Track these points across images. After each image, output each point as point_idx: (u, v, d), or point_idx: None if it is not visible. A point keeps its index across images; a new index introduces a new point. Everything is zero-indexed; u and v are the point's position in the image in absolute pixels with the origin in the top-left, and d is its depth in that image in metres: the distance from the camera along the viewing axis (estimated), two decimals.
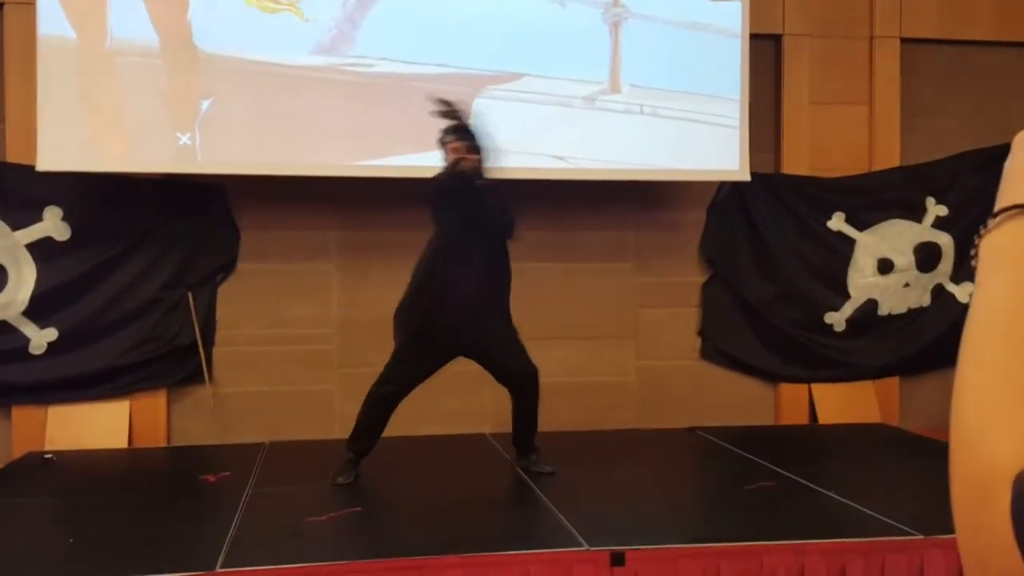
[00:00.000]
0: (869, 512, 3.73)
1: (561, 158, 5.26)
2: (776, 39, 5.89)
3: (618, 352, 5.81)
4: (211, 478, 4.37)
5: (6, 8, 5.02)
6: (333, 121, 5.08)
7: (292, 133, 5.04)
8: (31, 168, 4.86)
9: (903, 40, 5.97)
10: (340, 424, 5.42)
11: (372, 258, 5.46)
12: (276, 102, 5.02)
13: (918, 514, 3.69)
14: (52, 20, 4.80)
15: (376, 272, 5.43)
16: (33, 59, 4.82)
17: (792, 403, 5.95)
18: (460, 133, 4.08)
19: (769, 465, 4.56)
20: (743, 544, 3.36)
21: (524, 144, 5.20)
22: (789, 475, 4.36)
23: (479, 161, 4.08)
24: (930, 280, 6.05)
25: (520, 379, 4.31)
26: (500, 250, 4.23)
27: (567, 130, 5.31)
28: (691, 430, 5.55)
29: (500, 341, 4.26)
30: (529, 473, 4.39)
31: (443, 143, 4.15)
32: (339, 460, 4.33)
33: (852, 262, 5.97)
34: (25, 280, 5.09)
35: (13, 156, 5.04)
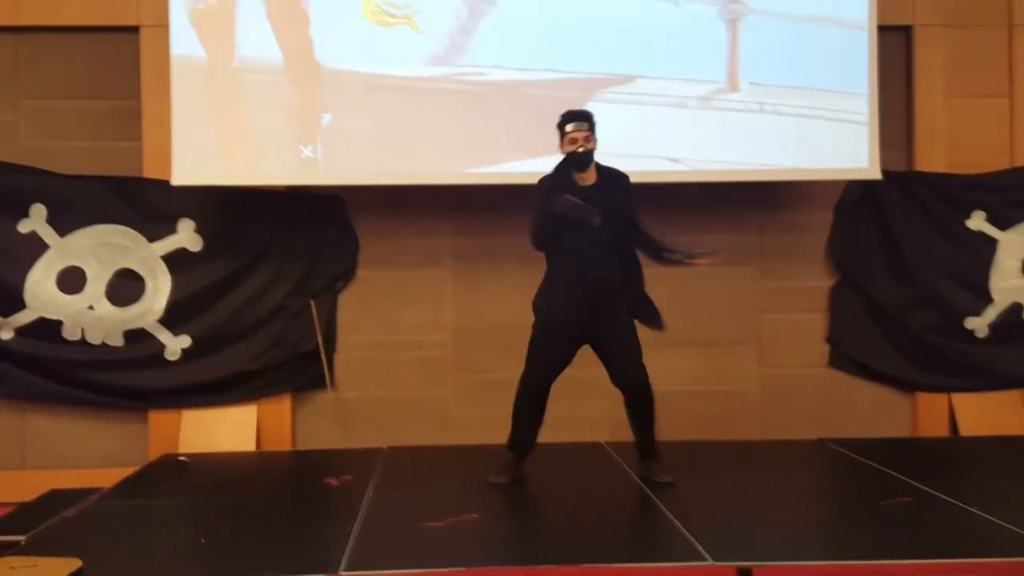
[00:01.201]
0: (1016, 530, 3.48)
1: (676, 160, 5.14)
2: (906, 30, 5.62)
3: (738, 360, 5.63)
4: (334, 481, 4.47)
5: (142, 31, 5.31)
6: (447, 130, 5.14)
7: (408, 143, 5.12)
8: (166, 183, 5.12)
9: None
10: (455, 429, 5.49)
11: (485, 264, 5.49)
12: (393, 113, 5.12)
13: None
14: (184, 41, 5.05)
15: (489, 278, 5.46)
16: (167, 79, 5.09)
17: (930, 413, 5.64)
18: (581, 120, 4.13)
19: (906, 479, 4.33)
20: (879, 563, 3.19)
21: (638, 147, 5.12)
22: (928, 490, 4.13)
23: (593, 151, 4.16)
24: None
25: (631, 382, 4.26)
26: (617, 240, 4.21)
27: (682, 131, 5.20)
28: (820, 441, 5.32)
29: (622, 336, 4.21)
30: (648, 482, 4.30)
31: (561, 130, 4.17)
32: (500, 459, 4.36)
33: (994, 264, 5.62)
34: (161, 289, 5.35)
35: (150, 172, 5.32)
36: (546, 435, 5.04)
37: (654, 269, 5.39)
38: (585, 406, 5.41)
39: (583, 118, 4.17)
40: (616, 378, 4.30)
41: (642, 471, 4.39)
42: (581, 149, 4.14)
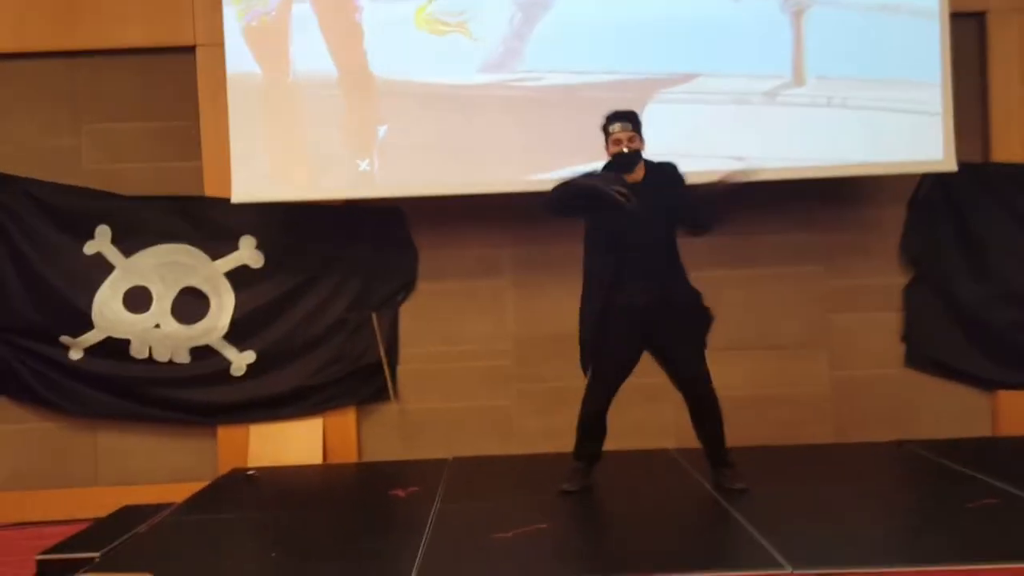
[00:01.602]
0: None
1: (741, 159, 5.00)
2: (980, 16, 5.40)
3: (809, 362, 5.48)
4: (401, 493, 4.47)
5: (198, 50, 5.36)
6: (504, 137, 5.08)
7: (465, 152, 5.09)
8: (226, 201, 5.16)
9: None
10: (518, 439, 5.43)
11: (545, 273, 5.42)
12: (449, 122, 5.08)
13: None
14: (239, 58, 5.08)
15: (550, 287, 5.39)
16: (224, 97, 5.12)
17: (1013, 412, 5.42)
18: (624, 120, 4.08)
19: (991, 480, 4.19)
20: (968, 567, 3.09)
21: (700, 147, 5.01)
22: (1016, 491, 3.97)
23: (639, 151, 4.11)
24: None
25: (693, 388, 4.19)
26: (668, 239, 4.14)
27: (746, 129, 5.07)
28: (899, 443, 5.15)
29: (678, 335, 4.13)
30: (721, 489, 4.22)
31: (606, 131, 4.12)
32: (569, 467, 4.33)
33: None
34: (225, 306, 5.39)
35: (210, 190, 5.37)
36: (612, 443, 4.94)
37: (721, 274, 5.32)
38: (651, 413, 5.31)
39: (626, 118, 4.12)
40: (678, 384, 4.23)
41: (715, 478, 4.30)
42: (626, 149, 4.08)
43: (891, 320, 5.49)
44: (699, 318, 4.21)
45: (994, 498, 3.88)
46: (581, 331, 4.20)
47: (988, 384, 5.46)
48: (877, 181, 5.40)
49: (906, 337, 5.48)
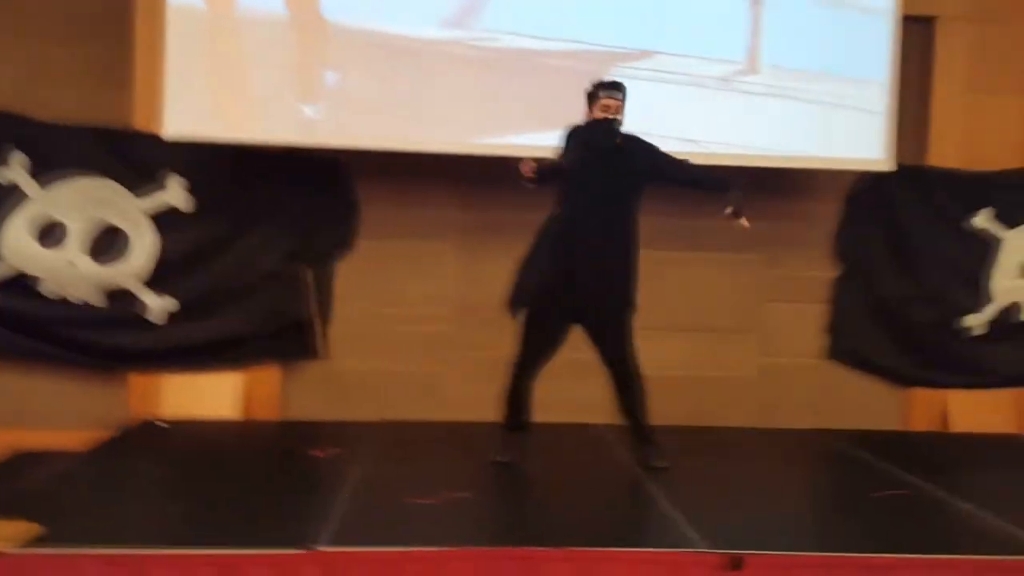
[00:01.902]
0: (1010, 528, 3.49)
1: (692, 141, 5.01)
2: (929, 21, 5.52)
3: (739, 347, 5.57)
4: (320, 453, 4.35)
5: None
6: (458, 97, 4.96)
7: (416, 108, 4.94)
8: (156, 136, 4.89)
9: None
10: (453, 406, 5.36)
11: (492, 240, 5.33)
12: (402, 76, 4.93)
13: None
14: None
15: (495, 254, 5.27)
16: (162, 26, 4.83)
17: (924, 408, 5.65)
18: (616, 90, 4.05)
19: (899, 472, 4.34)
20: (872, 556, 3.16)
21: (653, 125, 4.87)
22: (921, 484, 4.13)
23: (621, 122, 4.08)
24: None
25: (617, 364, 4.20)
26: (624, 219, 4.11)
27: (699, 111, 5.09)
28: (815, 431, 5.28)
29: (607, 314, 4.13)
30: (643, 466, 4.25)
31: (594, 96, 4.06)
32: (500, 438, 4.30)
33: (997, 262, 5.59)
34: (147, 248, 5.13)
35: (139, 124, 5.07)
36: (541, 415, 4.92)
37: (662, 255, 5.33)
38: (580, 387, 5.28)
39: (618, 88, 4.09)
40: (604, 361, 4.23)
41: (637, 455, 4.34)
42: (612, 116, 4.04)
43: (820, 312, 5.62)
44: (625, 302, 4.19)
45: (902, 489, 4.00)
46: (520, 273, 4.15)
47: (903, 380, 5.65)
48: (818, 174, 5.49)
49: (830, 329, 5.61)
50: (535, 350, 4.19)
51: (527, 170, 3.94)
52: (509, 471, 4.23)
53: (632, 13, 5.00)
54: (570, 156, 4.01)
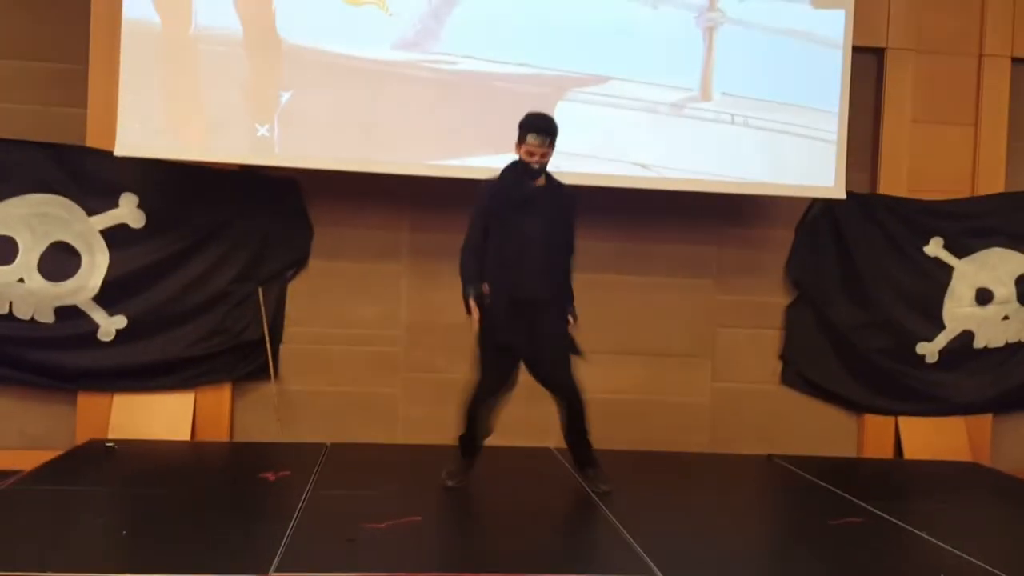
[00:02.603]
0: (965, 556, 3.51)
1: (644, 166, 5.06)
2: (879, 52, 5.64)
3: (693, 372, 5.59)
4: (271, 476, 4.30)
5: None
6: (413, 118, 4.97)
7: (371, 129, 4.94)
8: (110, 154, 4.85)
9: (1014, 60, 5.68)
10: (403, 428, 5.33)
11: (444, 262, 5.27)
12: (356, 97, 4.93)
13: (1019, 563, 3.44)
14: (138, 4, 4.78)
15: (448, 276, 5.23)
16: (117, 44, 4.82)
17: (877, 435, 5.67)
18: (544, 134, 4.01)
19: (854, 499, 4.34)
20: None
21: (606, 150, 5.05)
22: (876, 511, 4.13)
23: (546, 163, 4.10)
24: None
25: (561, 391, 4.20)
26: (558, 236, 4.13)
27: (652, 137, 5.13)
28: (769, 457, 5.30)
29: (551, 345, 4.12)
30: (593, 492, 4.25)
31: (522, 135, 4.06)
32: (453, 463, 4.26)
33: (949, 291, 5.67)
34: (98, 266, 5.08)
35: (93, 141, 5.04)
36: (496, 439, 4.90)
37: (616, 279, 5.36)
38: (535, 411, 5.26)
39: (546, 132, 4.04)
40: (547, 385, 4.23)
41: (581, 478, 4.33)
42: (536, 165, 4.05)
43: (773, 337, 5.66)
44: (563, 324, 4.19)
45: (857, 517, 4.01)
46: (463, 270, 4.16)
47: (856, 407, 5.69)
48: (771, 201, 5.56)
49: (783, 355, 5.66)
50: (493, 378, 4.16)
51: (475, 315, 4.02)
52: (463, 495, 4.21)
53: (587, 39, 5.04)
54: (496, 214, 4.05)
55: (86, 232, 5.06)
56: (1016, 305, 5.67)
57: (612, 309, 5.32)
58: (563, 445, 4.90)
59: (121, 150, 4.81)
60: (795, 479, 4.86)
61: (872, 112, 5.65)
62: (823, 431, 5.63)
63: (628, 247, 5.45)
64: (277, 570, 3.02)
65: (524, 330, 4.09)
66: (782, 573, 3.30)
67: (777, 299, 5.65)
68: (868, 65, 5.60)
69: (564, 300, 4.19)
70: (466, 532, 3.85)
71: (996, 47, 5.64)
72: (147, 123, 4.83)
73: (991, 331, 5.69)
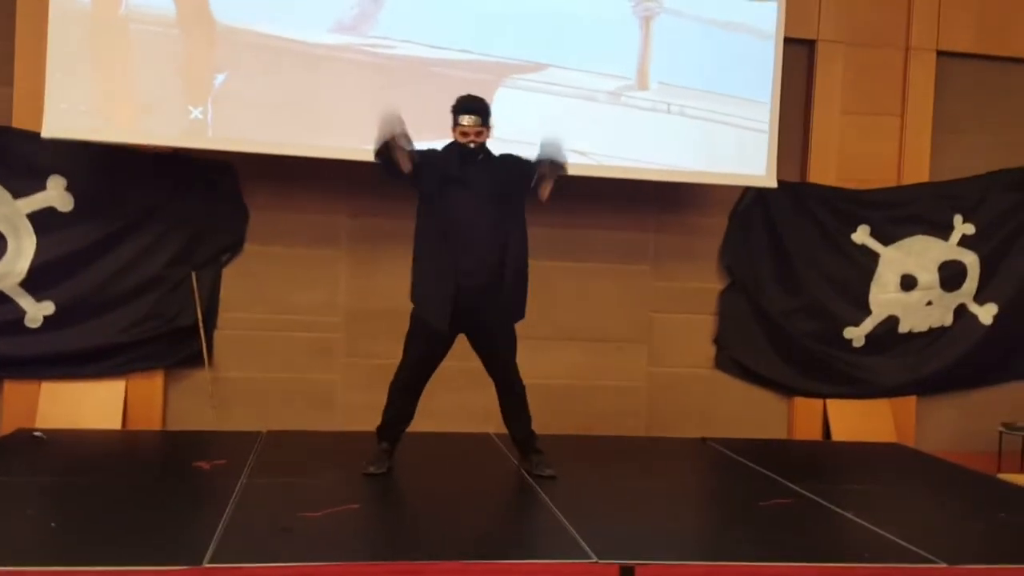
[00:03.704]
0: (889, 536, 3.60)
1: (582, 153, 5.09)
2: (810, 44, 5.75)
3: (629, 357, 5.66)
4: (205, 465, 4.24)
5: None
6: (350, 103, 4.92)
7: (307, 113, 4.89)
8: (36, 135, 4.72)
9: (939, 53, 5.85)
10: (342, 415, 5.30)
11: (383, 247, 5.31)
12: (293, 80, 4.87)
13: (941, 541, 3.56)
14: None
15: (387, 261, 5.28)
16: (44, 22, 4.68)
17: (806, 418, 5.82)
18: (475, 113, 4.02)
19: (783, 481, 4.44)
20: (759, 564, 3.23)
21: (544, 136, 5.03)
22: (804, 492, 4.23)
23: (484, 143, 4.09)
24: (953, 299, 5.91)
25: (505, 379, 4.23)
26: (508, 231, 4.08)
27: (590, 125, 5.17)
28: (703, 440, 5.40)
29: (498, 325, 4.13)
30: (532, 476, 4.27)
31: (455, 117, 4.07)
32: (372, 449, 4.23)
33: (875, 277, 5.84)
34: (24, 250, 4.94)
35: (19, 122, 4.89)
36: (435, 425, 4.95)
37: (553, 265, 5.40)
38: (474, 397, 5.31)
39: (478, 111, 4.04)
40: (492, 371, 4.25)
41: (525, 464, 4.36)
42: (472, 145, 4.05)
43: (707, 323, 5.76)
44: (516, 311, 4.18)
45: (786, 499, 4.11)
46: (415, 291, 4.12)
47: (787, 390, 5.83)
48: (706, 189, 5.65)
49: (717, 340, 5.77)
50: (423, 363, 4.16)
51: (405, 161, 3.91)
52: (401, 481, 4.19)
53: (526, 26, 5.06)
54: (425, 184, 4.02)
55: (12, 215, 4.91)
56: (939, 291, 5.88)
57: (550, 295, 5.36)
58: (502, 430, 4.95)
59: (49, 131, 4.68)
60: (728, 461, 4.96)
61: (803, 103, 5.77)
62: (755, 414, 5.77)
63: (566, 234, 5.49)
64: (211, 561, 2.97)
65: (467, 322, 4.07)
66: (714, 554, 3.35)
67: (711, 285, 5.76)
68: (800, 57, 5.72)
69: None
70: (404, 519, 3.84)
71: (922, 40, 5.81)
72: (76, 104, 4.70)
73: (915, 316, 5.88)
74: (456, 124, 4.06)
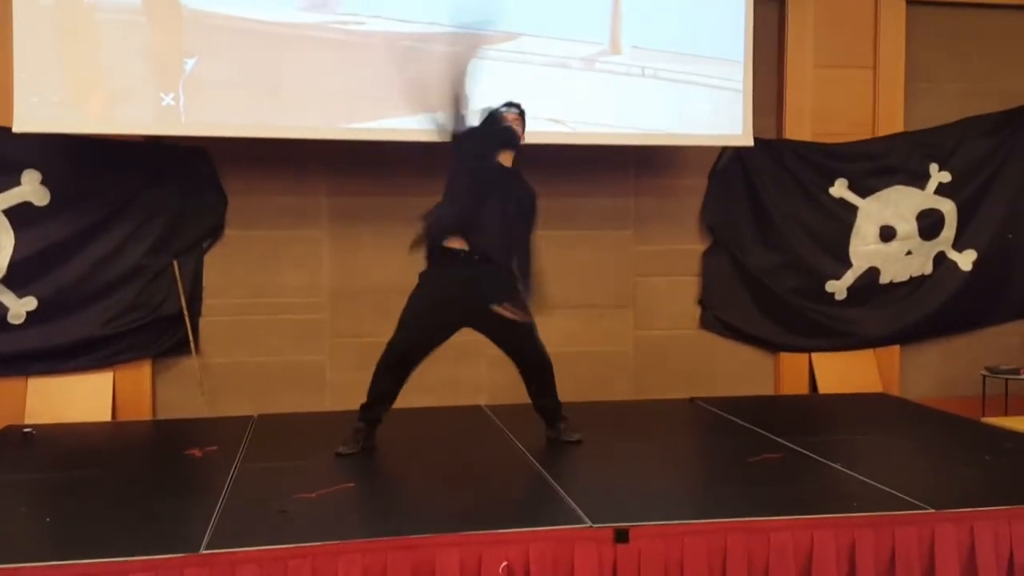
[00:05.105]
0: (876, 485, 3.66)
1: (559, 121, 5.09)
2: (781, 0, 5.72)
3: (615, 322, 5.69)
4: (197, 452, 4.23)
5: None
6: (323, 81, 4.88)
7: (281, 94, 4.84)
8: (7, 130, 4.66)
9: (909, 2, 5.83)
10: (331, 395, 5.31)
11: (365, 225, 5.30)
12: (264, 61, 4.81)
13: (928, 487, 3.63)
14: None
15: (369, 240, 5.27)
16: (8, 15, 4.61)
17: (792, 372, 5.88)
18: (517, 109, 4.24)
19: (771, 436, 4.49)
20: (750, 520, 3.27)
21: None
22: (792, 446, 4.29)
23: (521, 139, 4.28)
24: (932, 248, 5.96)
25: (531, 362, 4.27)
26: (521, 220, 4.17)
27: (565, 92, 5.14)
28: (691, 400, 5.46)
29: (511, 323, 4.11)
30: (558, 442, 4.36)
31: (495, 114, 4.19)
32: (348, 429, 4.22)
33: (854, 230, 5.87)
34: (2, 247, 4.90)
35: None
36: (426, 399, 4.97)
37: (539, 234, 5.35)
38: (465, 369, 5.35)
39: (519, 109, 4.24)
40: (514, 358, 4.28)
41: (552, 432, 4.41)
42: (518, 129, 4.19)
43: (691, 284, 5.79)
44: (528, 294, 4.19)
45: (776, 452, 4.17)
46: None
47: (772, 346, 5.88)
48: (683, 151, 5.65)
49: (701, 300, 5.81)
50: (420, 347, 4.13)
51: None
52: (394, 458, 4.20)
53: None
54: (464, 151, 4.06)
55: None
56: (918, 240, 5.92)
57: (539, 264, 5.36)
58: (493, 402, 5.00)
59: (20, 126, 4.62)
60: (717, 420, 5.02)
61: (776, 59, 5.76)
62: (742, 371, 5.82)
63: (546, 203, 5.38)
64: (208, 547, 2.97)
65: (476, 311, 4.06)
66: (707, 512, 3.38)
67: (694, 246, 5.78)
68: (770, 13, 5.70)
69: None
70: (400, 494, 3.85)
71: None
72: (46, 97, 4.64)
73: (895, 266, 5.93)
74: (498, 117, 4.16)
